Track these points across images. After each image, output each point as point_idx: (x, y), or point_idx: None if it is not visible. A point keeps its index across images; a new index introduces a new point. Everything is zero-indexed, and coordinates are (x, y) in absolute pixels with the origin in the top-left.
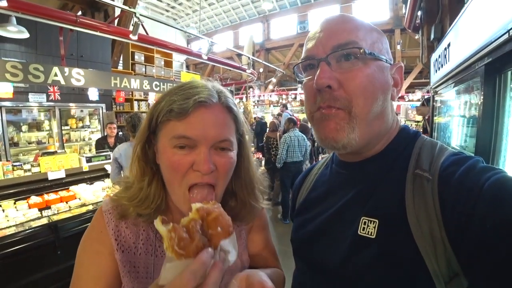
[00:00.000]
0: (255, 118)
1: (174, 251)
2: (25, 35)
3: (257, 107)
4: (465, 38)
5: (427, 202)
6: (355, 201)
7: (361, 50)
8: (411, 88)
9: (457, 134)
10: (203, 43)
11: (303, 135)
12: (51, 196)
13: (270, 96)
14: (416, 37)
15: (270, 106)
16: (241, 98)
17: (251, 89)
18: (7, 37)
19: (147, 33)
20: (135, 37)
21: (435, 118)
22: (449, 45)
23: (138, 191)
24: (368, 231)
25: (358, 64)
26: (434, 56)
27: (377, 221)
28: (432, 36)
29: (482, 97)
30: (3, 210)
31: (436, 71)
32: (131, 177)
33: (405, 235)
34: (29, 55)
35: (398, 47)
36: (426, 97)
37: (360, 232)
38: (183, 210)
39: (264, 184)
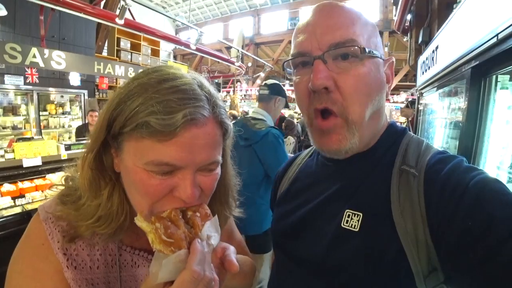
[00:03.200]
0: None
1: (162, 242)
2: (3, 12)
3: (244, 101)
4: (454, 41)
5: (413, 198)
6: (340, 194)
7: (360, 49)
8: (396, 90)
9: (440, 135)
10: (192, 33)
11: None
12: (26, 184)
13: (258, 91)
14: (405, 39)
15: (256, 101)
16: (228, 92)
17: (238, 83)
18: None
19: (134, 18)
20: (121, 21)
21: (419, 119)
22: (437, 47)
23: (95, 209)
24: (352, 224)
25: (356, 64)
26: (422, 58)
27: (361, 214)
28: (420, 39)
29: (467, 100)
30: None
31: (422, 73)
32: (80, 190)
33: (389, 230)
34: (6, 34)
35: (386, 49)
36: (410, 99)
37: (343, 224)
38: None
39: (237, 190)
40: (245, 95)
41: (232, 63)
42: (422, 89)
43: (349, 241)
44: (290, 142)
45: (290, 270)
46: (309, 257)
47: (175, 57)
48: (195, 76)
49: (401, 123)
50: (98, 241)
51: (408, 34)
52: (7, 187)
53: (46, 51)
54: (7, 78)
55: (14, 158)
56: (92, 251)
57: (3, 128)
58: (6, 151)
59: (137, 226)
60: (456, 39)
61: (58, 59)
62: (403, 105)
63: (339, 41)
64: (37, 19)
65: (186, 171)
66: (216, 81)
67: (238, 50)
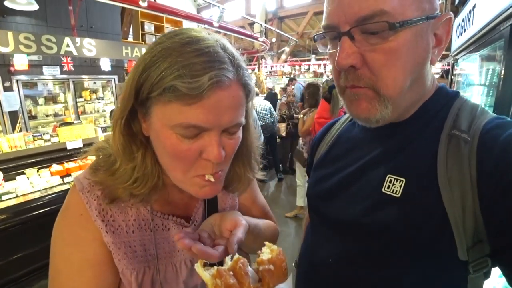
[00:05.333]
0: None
1: None
2: (34, 6)
3: (269, 78)
4: None
5: (462, 164)
6: (382, 159)
7: (389, 24)
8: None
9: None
10: (214, 12)
11: (262, 102)
12: (71, 164)
13: (283, 66)
14: (440, 1)
15: (282, 77)
16: (253, 69)
17: (263, 59)
18: (17, 9)
19: (155, 0)
20: (145, 4)
21: (452, 86)
22: (474, 7)
23: (131, 171)
24: (394, 190)
25: (388, 38)
26: (457, 20)
27: (404, 180)
28: (457, 0)
29: (504, 62)
30: (28, 178)
31: (458, 36)
32: (114, 156)
33: (434, 198)
34: (40, 28)
35: None
36: (445, 69)
37: (384, 190)
38: (191, 192)
39: (260, 153)
40: (270, 72)
41: (256, 38)
42: (456, 54)
43: (390, 206)
44: None
45: (324, 232)
46: (346, 220)
47: None
48: (217, 38)
49: None
50: (133, 203)
51: None
52: (56, 167)
53: (78, 39)
54: (45, 69)
55: (59, 141)
56: (127, 217)
57: (46, 116)
58: (51, 136)
59: (167, 193)
60: None
61: (89, 47)
62: (437, 76)
63: (366, 14)
64: (66, 10)
65: (212, 132)
66: None
67: (261, 25)
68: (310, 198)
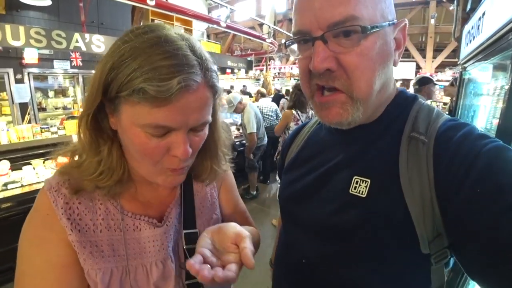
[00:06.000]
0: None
1: None
2: (47, 2)
3: (277, 79)
4: (502, 6)
5: (421, 165)
6: (348, 161)
7: (361, 28)
8: (442, 67)
9: (483, 116)
10: (223, 11)
11: (268, 104)
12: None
13: (291, 68)
14: (451, 7)
15: (290, 79)
16: (261, 70)
17: (271, 60)
18: (31, 4)
19: None
20: (153, 2)
21: (460, 97)
22: (483, 14)
23: (96, 164)
24: (360, 190)
25: (359, 40)
26: (467, 28)
27: (369, 180)
28: (468, 6)
29: (510, 73)
30: (34, 168)
31: (467, 44)
32: (79, 151)
33: (396, 196)
34: (52, 23)
35: (432, 21)
36: (456, 77)
37: (351, 191)
38: (158, 181)
39: (227, 145)
40: (278, 73)
41: (264, 40)
42: (465, 62)
43: (357, 207)
44: None
45: (297, 234)
46: (316, 222)
47: (208, 36)
48: (186, 38)
49: (444, 104)
50: (99, 197)
51: (455, 0)
52: (61, 159)
53: (87, 35)
54: (55, 63)
55: (66, 134)
56: (95, 216)
57: (56, 108)
58: (59, 128)
59: (139, 193)
60: (505, 2)
61: (98, 43)
62: (447, 84)
63: (338, 20)
64: (78, 7)
65: (180, 131)
66: (249, 58)
67: (269, 27)
68: (282, 200)
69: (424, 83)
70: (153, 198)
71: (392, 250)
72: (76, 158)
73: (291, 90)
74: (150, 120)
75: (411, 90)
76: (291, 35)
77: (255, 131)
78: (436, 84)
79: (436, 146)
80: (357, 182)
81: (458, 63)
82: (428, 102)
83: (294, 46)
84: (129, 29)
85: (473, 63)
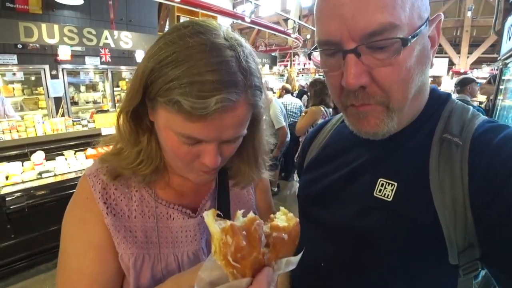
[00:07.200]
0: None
1: (225, 261)
2: (80, 1)
3: (302, 75)
4: None
5: (454, 169)
6: (373, 162)
7: (402, 40)
8: (478, 64)
9: None
10: (248, 6)
11: (292, 100)
12: (104, 149)
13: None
14: None
15: (315, 74)
16: (285, 66)
17: (296, 56)
18: (65, 4)
19: None
20: None
21: (499, 96)
22: None
23: (136, 154)
24: (385, 194)
25: (397, 51)
26: (510, 20)
27: (395, 184)
28: None
29: None
30: (66, 159)
31: (509, 38)
32: (121, 142)
33: (425, 201)
34: (84, 21)
35: (469, 14)
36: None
37: (376, 193)
38: (189, 177)
39: (268, 152)
40: (302, 69)
41: (288, 35)
42: (506, 58)
43: (381, 210)
44: None
45: (316, 236)
46: (338, 224)
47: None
48: (236, 46)
49: (480, 103)
50: (134, 184)
51: None
52: (90, 151)
53: (116, 32)
54: (87, 59)
55: (95, 127)
56: (130, 202)
57: (87, 102)
58: (89, 121)
59: (174, 182)
60: None
61: (126, 39)
62: (484, 81)
63: (375, 30)
64: (107, 5)
65: (211, 145)
66: (273, 54)
67: (294, 22)
68: (301, 200)
69: (466, 84)
70: (187, 188)
71: (417, 258)
72: (118, 146)
73: (308, 84)
74: (183, 131)
75: (444, 88)
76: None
77: (284, 125)
78: (478, 83)
79: (472, 149)
80: (382, 184)
81: (498, 58)
82: (471, 100)
83: (317, 56)
84: (175, 27)
85: None
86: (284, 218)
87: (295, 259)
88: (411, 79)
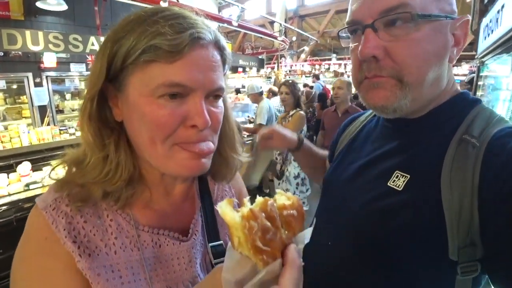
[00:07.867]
0: None
1: (253, 249)
2: (64, 7)
3: (289, 77)
4: None
5: (467, 168)
6: (392, 154)
7: (411, 15)
8: (458, 61)
9: (501, 110)
10: (234, 10)
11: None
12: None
13: (303, 66)
14: (468, 0)
15: (302, 76)
16: (272, 68)
17: (283, 58)
18: (48, 9)
19: (178, 0)
20: (166, 4)
21: (478, 91)
22: (502, 7)
23: (103, 162)
24: (397, 184)
25: (409, 30)
26: (485, 21)
27: (408, 176)
28: None
29: None
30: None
31: (485, 38)
32: (82, 147)
33: (433, 195)
34: (69, 27)
35: None
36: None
37: (390, 183)
38: (173, 169)
39: (242, 144)
40: (289, 71)
41: (275, 37)
42: (483, 57)
43: (390, 198)
44: None
45: (330, 217)
46: (352, 209)
47: None
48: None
49: None
50: (107, 212)
51: None
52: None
53: (102, 38)
54: (72, 66)
55: None
56: (106, 236)
57: (72, 110)
58: (76, 130)
59: (154, 200)
60: None
61: None
62: (464, 78)
63: (390, 6)
64: (92, 11)
65: (197, 95)
66: (260, 57)
67: (280, 24)
68: (326, 183)
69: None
70: (169, 206)
71: (417, 249)
72: (80, 153)
73: (279, 88)
74: (163, 79)
75: None
76: (305, 33)
77: (264, 123)
78: (457, 80)
79: (487, 151)
80: (397, 176)
81: (476, 57)
82: None
83: (347, 39)
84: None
85: (491, 56)
86: (285, 198)
87: (308, 233)
88: (425, 58)
